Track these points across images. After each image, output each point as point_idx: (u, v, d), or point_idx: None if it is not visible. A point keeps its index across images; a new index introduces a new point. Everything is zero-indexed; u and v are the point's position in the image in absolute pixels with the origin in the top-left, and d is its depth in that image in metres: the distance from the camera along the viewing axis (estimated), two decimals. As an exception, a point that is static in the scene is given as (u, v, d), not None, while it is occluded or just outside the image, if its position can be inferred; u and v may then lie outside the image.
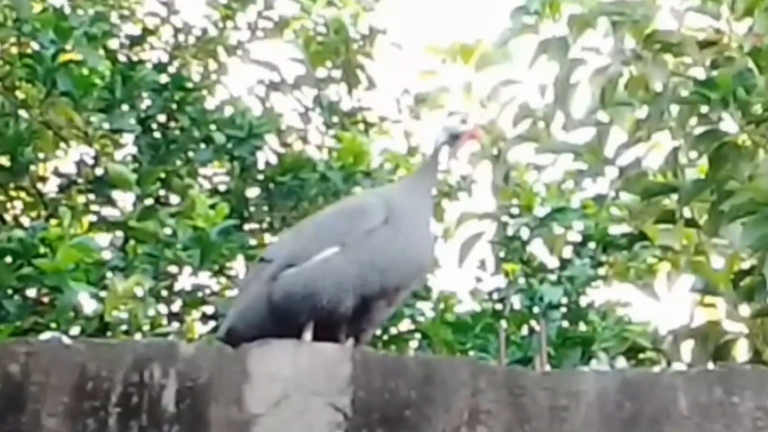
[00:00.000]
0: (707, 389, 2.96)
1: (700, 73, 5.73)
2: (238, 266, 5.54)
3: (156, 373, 2.96)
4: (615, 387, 2.97)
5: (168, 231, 5.07)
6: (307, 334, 3.08)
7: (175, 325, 5.52)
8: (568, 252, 6.02)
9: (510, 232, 5.96)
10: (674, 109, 5.66)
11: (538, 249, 6.11)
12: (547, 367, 4.30)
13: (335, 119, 6.16)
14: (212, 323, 5.74)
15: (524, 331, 5.68)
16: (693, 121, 5.64)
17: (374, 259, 3.08)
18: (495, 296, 5.85)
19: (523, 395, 2.95)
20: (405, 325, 6.08)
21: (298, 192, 5.82)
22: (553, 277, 5.78)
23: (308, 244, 3.14)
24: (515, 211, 6.04)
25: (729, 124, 5.63)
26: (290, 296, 3.09)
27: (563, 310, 5.58)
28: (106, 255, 5.17)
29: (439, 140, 3.26)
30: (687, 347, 5.61)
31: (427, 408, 2.93)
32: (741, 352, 5.62)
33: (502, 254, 6.04)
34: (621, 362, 5.27)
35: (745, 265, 5.56)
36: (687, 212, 5.74)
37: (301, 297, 3.08)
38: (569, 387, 2.96)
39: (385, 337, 6.19)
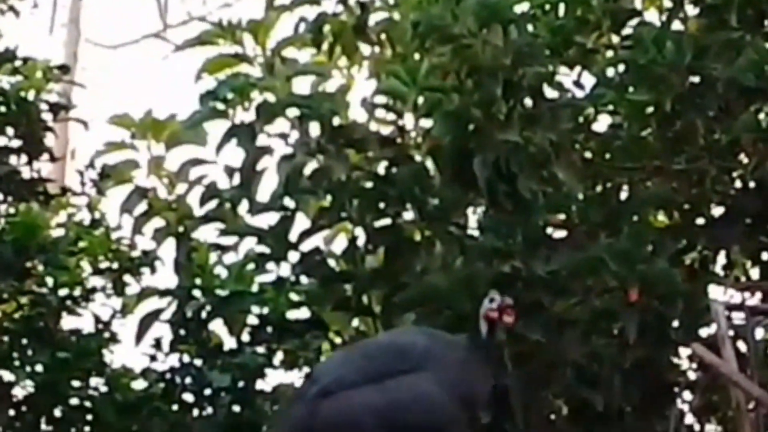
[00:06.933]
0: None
1: (381, 169, 5.91)
2: None
3: None
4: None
5: None
6: None
7: None
8: (246, 335, 6.04)
9: (189, 312, 5.93)
10: (356, 200, 5.81)
11: (219, 328, 6.10)
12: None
13: (13, 189, 5.99)
14: None
15: (195, 413, 5.66)
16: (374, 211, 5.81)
17: None
18: (168, 377, 5.78)
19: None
20: (74, 401, 5.92)
21: (-33, 265, 5.64)
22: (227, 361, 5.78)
23: None
24: (196, 291, 6.02)
25: (408, 216, 5.84)
26: None
27: (233, 394, 5.59)
28: None
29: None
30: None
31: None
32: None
33: (181, 333, 5.99)
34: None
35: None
36: (365, 299, 5.88)
37: None
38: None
39: (57, 413, 6.01)
